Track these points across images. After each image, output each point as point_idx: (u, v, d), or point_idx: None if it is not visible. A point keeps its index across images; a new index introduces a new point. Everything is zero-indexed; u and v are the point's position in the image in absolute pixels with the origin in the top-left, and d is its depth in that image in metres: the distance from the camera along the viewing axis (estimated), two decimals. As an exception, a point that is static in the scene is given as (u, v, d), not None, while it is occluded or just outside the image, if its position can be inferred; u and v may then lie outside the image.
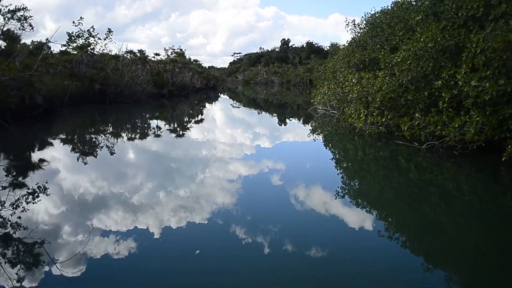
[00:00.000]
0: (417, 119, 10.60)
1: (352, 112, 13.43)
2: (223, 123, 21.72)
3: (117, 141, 13.20)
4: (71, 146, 12.39)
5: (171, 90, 31.05)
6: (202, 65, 49.14)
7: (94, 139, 13.86)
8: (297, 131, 18.19)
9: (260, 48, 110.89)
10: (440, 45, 10.61)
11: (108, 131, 15.78)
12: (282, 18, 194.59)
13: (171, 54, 36.45)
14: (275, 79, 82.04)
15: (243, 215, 6.10)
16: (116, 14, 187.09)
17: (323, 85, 23.52)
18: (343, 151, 12.55)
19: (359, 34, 19.40)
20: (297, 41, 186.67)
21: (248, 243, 4.98)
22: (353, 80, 13.59)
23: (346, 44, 32.21)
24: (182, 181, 8.23)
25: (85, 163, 9.71)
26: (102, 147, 11.93)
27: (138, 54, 30.05)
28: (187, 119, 22.68)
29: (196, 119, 22.53)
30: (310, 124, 19.68)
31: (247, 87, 77.38)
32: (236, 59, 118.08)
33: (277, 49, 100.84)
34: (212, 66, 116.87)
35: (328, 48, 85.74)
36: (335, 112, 19.24)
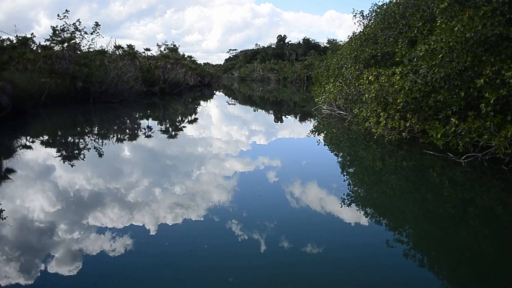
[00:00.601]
0: (453, 125, 8.67)
1: (368, 114, 11.45)
2: (218, 124, 19.71)
3: (96, 149, 11.13)
4: (37, 152, 10.31)
5: (163, 88, 28.91)
6: (197, 61, 46.91)
7: (65, 146, 11.78)
8: (299, 133, 16.24)
9: (256, 44, 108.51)
10: (482, 34, 8.65)
11: (83, 136, 13.67)
12: (277, 14, 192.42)
13: (164, 50, 34.32)
14: (272, 76, 79.95)
15: (243, 218, 5.81)
16: (111, 10, 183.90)
17: (327, 82, 21.56)
18: (356, 160, 10.60)
19: (368, 27, 17.38)
20: (293, 38, 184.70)
21: (245, 240, 4.95)
22: (370, 78, 11.60)
23: (347, 39, 30.39)
24: (174, 186, 7.58)
25: (49, 175, 7.75)
26: (71, 156, 9.90)
27: (127, 49, 27.78)
28: (179, 118, 20.64)
29: (190, 118, 20.52)
30: (313, 126, 17.68)
31: (243, 84, 75.67)
32: (231, 56, 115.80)
33: (273, 46, 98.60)
34: (207, 62, 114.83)
35: (325, 44, 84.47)
36: (342, 112, 17.29)
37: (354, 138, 13.02)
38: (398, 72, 11.12)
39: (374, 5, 20.38)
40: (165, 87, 28.98)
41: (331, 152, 12.23)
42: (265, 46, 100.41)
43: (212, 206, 6.25)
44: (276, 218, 5.74)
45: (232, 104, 32.41)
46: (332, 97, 17.26)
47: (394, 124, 10.45)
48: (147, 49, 30.12)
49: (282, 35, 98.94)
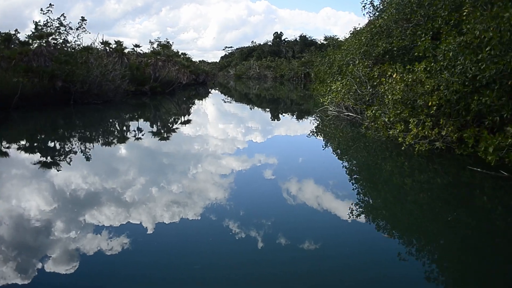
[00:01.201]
0: (510, 136, 6.77)
1: (391, 119, 9.50)
2: (213, 125, 17.87)
3: (72, 158, 9.07)
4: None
5: (154, 87, 26.79)
6: (192, 58, 44.74)
7: (31, 154, 9.72)
8: (299, 134, 14.29)
9: (252, 42, 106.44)
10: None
11: (52, 144, 11.60)
12: (273, 12, 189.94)
13: (157, 47, 32.13)
14: (268, 73, 77.86)
15: (242, 217, 5.68)
16: (106, 8, 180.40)
17: (332, 81, 19.60)
18: (379, 173, 8.66)
19: (380, 18, 15.40)
20: (289, 35, 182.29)
21: (244, 238, 4.92)
22: (395, 76, 9.63)
23: (350, 34, 28.42)
24: (169, 186, 7.24)
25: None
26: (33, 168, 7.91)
27: (115, 46, 25.59)
28: (171, 119, 18.65)
29: (183, 119, 18.55)
30: (318, 128, 15.70)
31: (239, 82, 73.78)
32: (227, 53, 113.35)
33: (269, 43, 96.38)
34: (203, 60, 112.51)
35: (322, 41, 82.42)
36: (351, 114, 15.36)
37: (371, 146, 11.09)
38: (421, 69, 9.20)
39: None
40: (156, 86, 26.86)
41: (341, 159, 10.33)
42: (261, 44, 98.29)
43: (211, 206, 6.12)
44: (280, 221, 5.62)
45: (228, 102, 31.70)
46: (340, 97, 15.31)
47: (425, 133, 8.53)
48: (137, 46, 28.00)
49: (279, 32, 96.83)
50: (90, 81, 18.65)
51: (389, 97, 9.41)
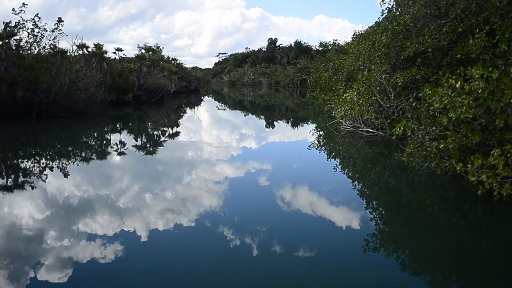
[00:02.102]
0: None
1: (451, 146, 6.57)
2: (204, 138, 15.07)
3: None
4: None
5: (138, 95, 23.73)
6: (183, 64, 41.72)
7: None
8: (307, 152, 11.41)
9: (246, 48, 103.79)
10: None
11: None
12: (267, 19, 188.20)
13: (143, 51, 29.05)
14: (263, 80, 75.20)
15: (245, 230, 5.40)
16: (100, 15, 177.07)
17: (342, 89, 16.77)
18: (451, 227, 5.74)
19: (406, 14, 12.56)
20: (283, 42, 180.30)
21: (243, 245, 4.86)
22: (453, 83, 6.68)
23: (353, 36, 25.78)
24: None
25: None
26: None
27: (94, 49, 22.50)
28: (157, 133, 15.68)
29: (170, 131, 15.63)
30: (331, 149, 12.72)
31: (233, 89, 71.15)
32: (221, 60, 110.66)
33: (264, 49, 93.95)
34: (196, 67, 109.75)
35: (317, 47, 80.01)
36: (372, 131, 12.46)
37: (417, 182, 8.16)
38: (476, 76, 6.34)
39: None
40: (140, 94, 23.79)
41: (362, 188, 7.38)
42: (256, 50, 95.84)
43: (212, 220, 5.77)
44: (281, 232, 5.39)
45: (222, 109, 30.48)
46: (357, 109, 12.41)
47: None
48: (119, 49, 24.80)
49: (273, 38, 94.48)
50: (57, 90, 15.52)
51: (449, 114, 6.45)
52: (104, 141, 13.40)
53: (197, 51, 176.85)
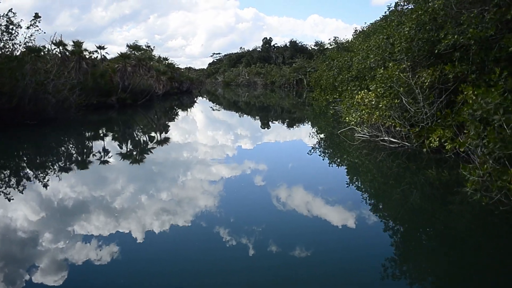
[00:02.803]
0: None
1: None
2: (197, 144, 13.13)
3: None
4: None
5: (122, 98, 21.35)
6: (174, 64, 39.27)
7: None
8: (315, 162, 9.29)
9: (241, 48, 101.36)
10: None
11: None
12: (261, 19, 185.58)
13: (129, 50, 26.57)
14: (258, 80, 72.96)
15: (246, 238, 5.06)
16: (93, 15, 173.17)
17: (353, 89, 14.64)
18: None
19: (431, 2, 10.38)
20: (277, 42, 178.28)
21: (243, 246, 4.77)
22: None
23: (361, 29, 23.69)
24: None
25: None
26: None
27: (72, 47, 20.07)
28: (143, 140, 13.48)
29: (158, 137, 13.51)
30: (345, 160, 10.50)
31: (227, 89, 68.92)
32: (215, 60, 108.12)
33: (258, 49, 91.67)
34: (189, 67, 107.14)
35: (312, 47, 78.02)
36: (396, 140, 10.29)
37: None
38: None
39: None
40: (125, 97, 21.42)
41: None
42: (250, 50, 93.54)
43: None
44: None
45: (216, 109, 29.19)
46: (377, 115, 10.22)
47: None
48: (101, 47, 22.28)
49: (268, 38, 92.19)
50: (20, 94, 13.16)
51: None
52: (73, 153, 11.08)
53: (191, 51, 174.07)
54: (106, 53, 23.25)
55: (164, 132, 15.76)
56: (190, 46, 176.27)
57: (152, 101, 27.49)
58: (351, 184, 7.93)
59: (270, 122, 21.33)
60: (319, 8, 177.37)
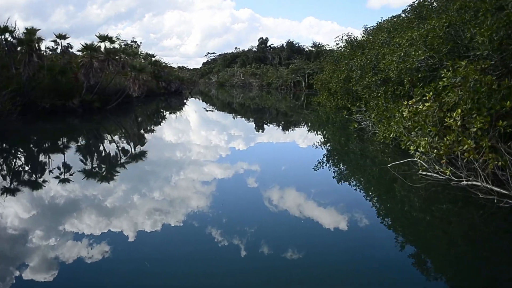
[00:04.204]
0: None
1: None
2: (179, 164, 9.47)
3: None
4: None
5: (88, 101, 16.80)
6: (162, 62, 34.69)
7: None
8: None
9: (236, 48, 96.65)
10: None
11: None
12: (257, 20, 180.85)
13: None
14: (254, 81, 68.52)
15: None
16: (88, 13, 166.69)
17: (391, 100, 10.45)
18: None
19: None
20: (273, 43, 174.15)
21: (242, 250, 4.61)
22: None
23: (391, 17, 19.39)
24: None
25: None
26: None
27: (22, 36, 15.44)
28: (108, 162, 9.29)
29: (132, 151, 9.60)
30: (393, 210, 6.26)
31: (221, 90, 64.68)
32: (209, 60, 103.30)
33: (254, 49, 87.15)
34: (182, 66, 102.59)
35: (309, 48, 73.86)
36: (493, 188, 5.98)
37: None
38: None
39: None
40: (92, 99, 16.86)
41: None
42: (246, 50, 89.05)
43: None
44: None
45: (210, 110, 27.58)
46: (468, 144, 5.90)
47: None
48: (61, 36, 17.57)
49: (264, 38, 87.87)
50: None
51: None
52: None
53: (186, 51, 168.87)
54: (68, 44, 18.60)
55: (138, 145, 11.34)
56: (185, 46, 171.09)
57: (131, 104, 22.91)
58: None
59: (276, 131, 17.05)
60: (315, 10, 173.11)
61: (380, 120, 11.79)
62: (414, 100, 9.06)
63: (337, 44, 24.88)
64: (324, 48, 64.58)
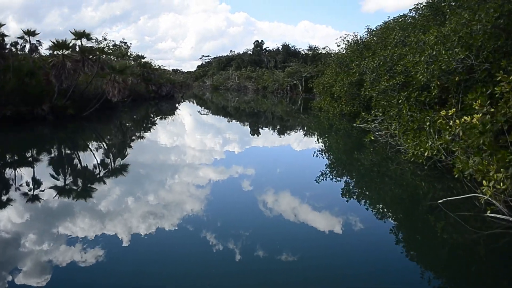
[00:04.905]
0: None
1: None
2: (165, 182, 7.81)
3: None
4: None
5: (60, 106, 14.52)
6: (153, 64, 32.43)
7: None
8: None
9: (231, 51, 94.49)
10: None
11: None
12: (252, 24, 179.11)
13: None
14: (249, 84, 66.41)
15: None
16: (83, 15, 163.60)
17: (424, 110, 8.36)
18: None
19: None
20: (269, 46, 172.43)
21: (240, 254, 4.52)
22: None
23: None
24: None
25: None
26: None
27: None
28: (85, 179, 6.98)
29: (112, 166, 7.99)
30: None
31: (216, 94, 62.61)
32: (204, 63, 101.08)
33: (249, 52, 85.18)
34: (176, 69, 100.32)
35: (306, 51, 72.08)
36: None
37: None
38: None
39: None
40: (65, 105, 14.58)
41: None
42: (241, 53, 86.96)
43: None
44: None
45: (205, 114, 26.63)
46: None
47: None
48: (30, 33, 15.19)
49: (260, 41, 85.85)
50: None
51: None
52: None
53: (181, 54, 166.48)
54: (38, 41, 16.17)
55: (118, 159, 9.11)
56: (180, 49, 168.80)
57: (115, 110, 20.63)
58: None
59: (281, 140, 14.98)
60: (310, 14, 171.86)
61: (405, 131, 9.71)
62: (453, 109, 7.05)
63: (339, 45, 22.89)
64: (321, 51, 63.08)
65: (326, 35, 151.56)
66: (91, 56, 15.17)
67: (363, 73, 14.80)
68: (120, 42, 34.75)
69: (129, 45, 35.65)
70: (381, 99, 11.06)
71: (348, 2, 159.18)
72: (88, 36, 14.91)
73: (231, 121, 23.03)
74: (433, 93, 9.60)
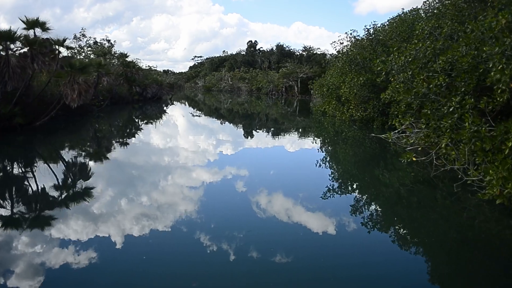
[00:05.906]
0: None
1: None
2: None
3: None
4: None
5: (6, 114, 11.30)
6: (136, 64, 29.20)
7: None
8: None
9: (224, 51, 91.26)
10: None
11: None
12: (245, 25, 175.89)
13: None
14: (242, 86, 63.35)
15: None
16: (75, 16, 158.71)
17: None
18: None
19: None
20: (262, 47, 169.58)
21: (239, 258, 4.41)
22: None
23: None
24: None
25: None
26: None
27: None
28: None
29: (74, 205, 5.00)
30: None
31: (208, 95, 59.52)
32: (196, 63, 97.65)
33: (243, 52, 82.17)
34: (168, 70, 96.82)
35: (300, 52, 69.40)
36: None
37: None
38: None
39: None
40: (12, 112, 11.37)
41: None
42: (234, 53, 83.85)
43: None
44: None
45: (196, 116, 25.82)
46: None
47: None
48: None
49: (253, 41, 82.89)
50: None
51: None
52: None
53: (174, 55, 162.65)
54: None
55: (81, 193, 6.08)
56: (173, 50, 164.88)
57: (87, 115, 17.42)
58: None
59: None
60: (303, 15, 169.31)
61: (473, 152, 6.74)
62: None
63: (341, 43, 19.92)
64: (316, 52, 60.42)
65: (319, 36, 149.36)
66: (47, 50, 11.98)
67: (379, 72, 11.91)
68: (102, 39, 31.43)
69: (112, 43, 32.31)
70: (425, 106, 8.10)
71: (341, 3, 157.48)
72: (43, 26, 11.65)
73: (224, 123, 22.04)
74: (501, 99, 6.74)
